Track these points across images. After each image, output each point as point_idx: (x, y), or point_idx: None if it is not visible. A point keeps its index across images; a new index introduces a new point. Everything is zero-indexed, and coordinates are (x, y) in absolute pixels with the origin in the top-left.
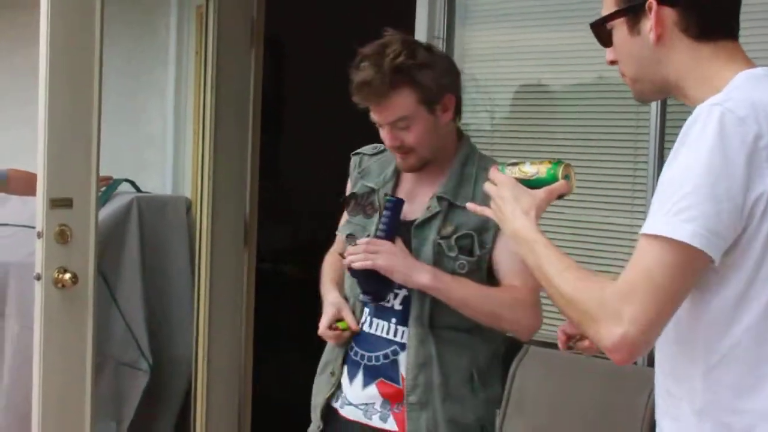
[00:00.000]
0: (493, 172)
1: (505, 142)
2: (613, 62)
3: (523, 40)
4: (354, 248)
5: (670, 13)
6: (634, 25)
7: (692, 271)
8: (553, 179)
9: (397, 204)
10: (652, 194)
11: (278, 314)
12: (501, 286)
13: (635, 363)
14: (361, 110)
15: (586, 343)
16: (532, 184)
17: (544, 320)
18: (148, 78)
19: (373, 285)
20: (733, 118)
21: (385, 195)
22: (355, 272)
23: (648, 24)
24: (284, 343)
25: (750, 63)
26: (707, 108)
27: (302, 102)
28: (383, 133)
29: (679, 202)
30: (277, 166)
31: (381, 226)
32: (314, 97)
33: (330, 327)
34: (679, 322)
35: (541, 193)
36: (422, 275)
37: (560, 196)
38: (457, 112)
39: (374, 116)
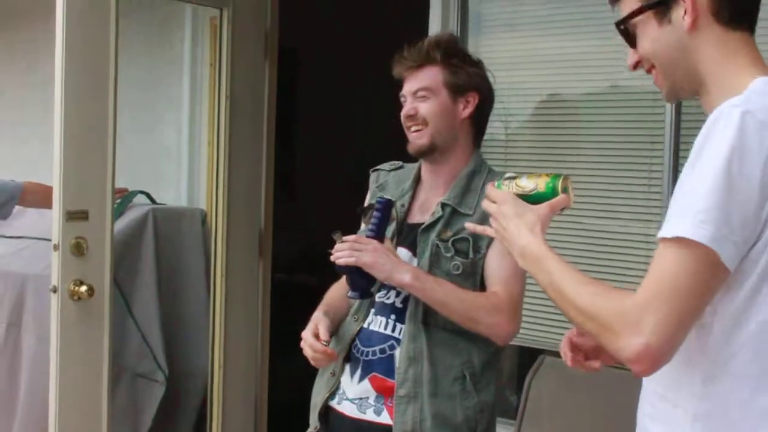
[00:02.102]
0: (491, 189)
1: (519, 150)
2: (636, 64)
3: (536, 48)
4: (340, 245)
5: None
6: (664, 15)
7: (712, 275)
8: (552, 193)
9: (386, 204)
10: (668, 203)
11: (293, 324)
12: (483, 292)
13: None
14: (375, 120)
15: (596, 364)
16: (531, 199)
17: (557, 331)
18: (163, 89)
19: (359, 282)
20: (755, 122)
21: (379, 197)
22: (340, 268)
23: (680, 11)
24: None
25: (766, 66)
26: (728, 109)
27: (316, 112)
28: (405, 107)
29: (697, 205)
30: (292, 176)
31: (370, 225)
32: (328, 107)
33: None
34: None
35: (543, 207)
36: (403, 274)
37: (561, 210)
38: (478, 123)
39: (404, 88)
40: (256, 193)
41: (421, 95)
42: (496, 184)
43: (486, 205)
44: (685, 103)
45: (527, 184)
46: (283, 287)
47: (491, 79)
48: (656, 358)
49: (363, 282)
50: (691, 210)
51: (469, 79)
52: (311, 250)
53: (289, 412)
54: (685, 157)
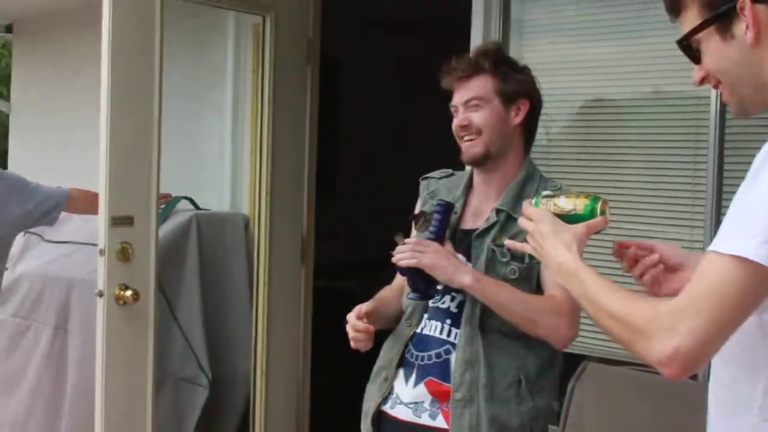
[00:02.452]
0: (527, 207)
1: (560, 156)
2: (703, 80)
3: (577, 53)
4: (402, 247)
5: (763, 10)
6: (726, 30)
7: (763, 294)
8: (590, 215)
9: (446, 207)
10: (712, 208)
11: (335, 330)
12: (541, 295)
13: (695, 378)
14: (415, 128)
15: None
16: (568, 219)
17: (600, 337)
18: (207, 97)
19: (420, 283)
20: None
21: (439, 200)
22: (402, 270)
23: (742, 25)
24: (341, 358)
25: None
26: None
27: (358, 119)
28: (456, 118)
29: (759, 224)
30: (333, 182)
31: (431, 228)
32: (370, 114)
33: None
34: (741, 338)
35: (580, 227)
36: (464, 276)
37: (597, 232)
38: (529, 129)
39: (454, 99)
40: (298, 199)
41: (473, 104)
42: (533, 202)
43: (523, 223)
44: (730, 108)
45: (566, 204)
46: (323, 293)
47: (539, 86)
48: (687, 361)
49: (423, 284)
50: (752, 229)
51: (519, 86)
52: (352, 256)
53: (332, 416)
54: (730, 162)
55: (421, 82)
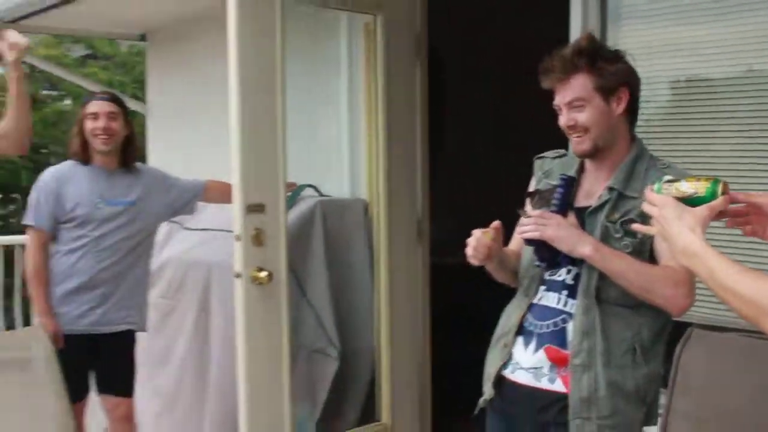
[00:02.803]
0: (650, 194)
1: (660, 138)
2: None
3: (675, 36)
4: (527, 220)
5: None
6: None
7: None
8: (712, 197)
9: (569, 181)
10: None
11: (451, 302)
12: (659, 266)
13: None
14: (517, 114)
15: (747, 228)
16: (690, 202)
17: (706, 305)
18: (324, 91)
19: (545, 253)
20: None
21: (562, 174)
22: (527, 241)
23: None
24: (457, 327)
25: None
26: None
27: (463, 107)
28: (562, 117)
29: None
30: (442, 166)
31: (554, 201)
32: (473, 102)
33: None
34: None
35: (703, 210)
36: (585, 246)
37: (720, 213)
38: (632, 112)
39: (556, 99)
40: (412, 183)
41: (576, 105)
42: (655, 188)
43: (647, 208)
44: None
45: (687, 188)
46: (437, 269)
47: (634, 66)
48: None
49: (548, 254)
50: None
51: (617, 77)
52: (462, 235)
53: (451, 381)
54: None
55: (522, 70)
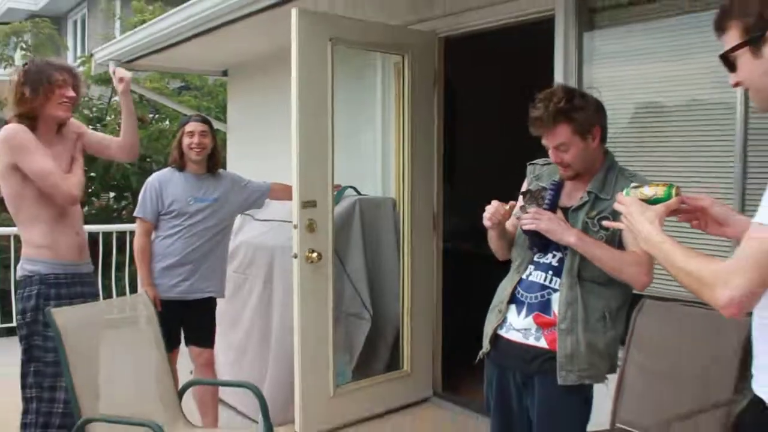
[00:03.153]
0: (620, 196)
1: (625, 151)
2: (737, 84)
3: (636, 72)
4: (526, 215)
5: None
6: (756, 51)
7: None
8: (668, 198)
9: (558, 185)
10: (740, 194)
11: (458, 279)
12: (626, 251)
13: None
14: (513, 132)
15: (694, 222)
16: (651, 202)
17: (657, 281)
18: (363, 114)
19: (538, 241)
20: None
21: (552, 180)
22: (525, 231)
23: (767, 49)
24: (462, 298)
25: None
26: None
27: (470, 127)
28: (551, 153)
29: None
30: (452, 173)
31: (546, 201)
32: (478, 123)
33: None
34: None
35: (660, 207)
36: (570, 236)
37: (674, 211)
38: (603, 139)
39: (543, 141)
40: (429, 186)
41: (562, 148)
42: (624, 192)
43: (618, 207)
44: (752, 107)
45: (649, 191)
46: (449, 253)
47: (601, 99)
48: (739, 307)
49: (540, 242)
50: None
51: (590, 119)
52: (468, 226)
53: (456, 338)
54: (754, 152)
55: (517, 94)
